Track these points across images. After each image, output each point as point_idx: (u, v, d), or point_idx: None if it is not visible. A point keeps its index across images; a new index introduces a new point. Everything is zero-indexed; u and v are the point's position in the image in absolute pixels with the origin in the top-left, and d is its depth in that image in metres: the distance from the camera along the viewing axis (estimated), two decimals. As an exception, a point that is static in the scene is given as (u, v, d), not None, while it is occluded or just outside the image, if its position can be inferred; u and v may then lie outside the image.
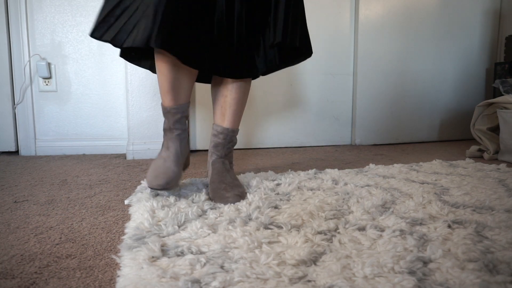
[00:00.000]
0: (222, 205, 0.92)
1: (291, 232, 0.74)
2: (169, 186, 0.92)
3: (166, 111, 1.02)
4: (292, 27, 0.98)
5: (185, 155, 1.03)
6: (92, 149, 1.96)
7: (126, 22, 0.90)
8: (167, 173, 0.93)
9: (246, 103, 1.12)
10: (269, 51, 1.03)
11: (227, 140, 1.07)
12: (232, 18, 0.95)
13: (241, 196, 0.97)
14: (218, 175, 1.02)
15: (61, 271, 0.61)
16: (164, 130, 1.04)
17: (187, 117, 1.05)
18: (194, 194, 1.00)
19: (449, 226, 0.76)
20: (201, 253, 0.64)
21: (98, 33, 0.92)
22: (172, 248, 0.65)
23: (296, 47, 1.04)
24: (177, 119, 1.01)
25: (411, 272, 0.56)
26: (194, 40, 0.91)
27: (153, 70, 1.11)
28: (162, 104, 1.03)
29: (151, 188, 0.93)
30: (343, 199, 0.97)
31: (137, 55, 1.10)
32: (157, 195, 1.00)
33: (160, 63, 0.97)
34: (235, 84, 1.06)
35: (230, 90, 1.06)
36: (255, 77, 1.08)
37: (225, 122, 1.07)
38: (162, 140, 1.83)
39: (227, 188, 0.97)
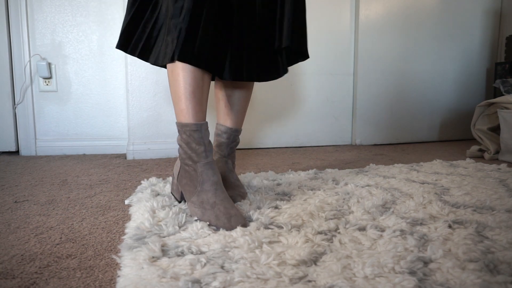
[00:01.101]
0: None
1: (292, 232, 0.74)
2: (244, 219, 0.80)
3: (197, 128, 0.86)
4: (299, 31, 0.98)
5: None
6: (92, 149, 1.96)
7: (152, 37, 0.93)
8: (236, 214, 0.81)
9: (249, 102, 1.11)
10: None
11: (231, 140, 1.07)
12: (246, 20, 0.92)
13: (242, 196, 0.97)
14: (221, 175, 1.02)
15: (62, 271, 0.61)
16: (194, 160, 0.86)
17: None
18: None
19: (449, 226, 0.76)
20: (202, 253, 0.64)
21: (124, 46, 0.94)
22: (173, 248, 0.65)
23: (298, 51, 1.03)
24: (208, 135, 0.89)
25: (412, 272, 0.56)
26: (216, 48, 0.89)
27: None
28: (187, 124, 0.86)
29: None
30: (344, 199, 0.97)
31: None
32: (157, 195, 1.00)
33: (186, 72, 0.88)
34: (241, 83, 1.05)
35: (235, 90, 1.05)
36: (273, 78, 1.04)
37: (229, 121, 1.06)
38: (161, 140, 1.84)
39: (228, 188, 0.98)
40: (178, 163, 0.93)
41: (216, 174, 0.86)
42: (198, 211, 0.81)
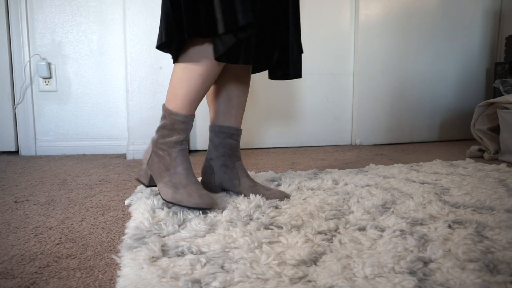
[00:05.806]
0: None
1: (292, 232, 0.74)
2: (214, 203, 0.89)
3: (184, 120, 0.92)
4: (299, 58, 1.01)
5: None
6: (92, 149, 1.96)
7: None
8: (207, 193, 0.89)
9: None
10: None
11: (239, 141, 1.07)
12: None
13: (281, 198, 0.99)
14: (250, 178, 1.04)
15: (61, 271, 0.61)
16: (174, 142, 0.93)
17: None
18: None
19: (449, 226, 0.76)
20: (202, 253, 0.64)
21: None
22: (172, 248, 0.65)
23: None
24: (189, 129, 0.96)
25: (412, 272, 0.56)
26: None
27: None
28: (178, 113, 0.92)
29: (199, 209, 0.87)
30: (344, 199, 0.97)
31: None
32: (157, 194, 1.00)
33: (212, 70, 0.92)
34: (247, 84, 1.06)
35: (242, 90, 1.04)
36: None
37: (238, 122, 1.06)
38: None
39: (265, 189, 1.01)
40: (149, 150, 0.98)
41: (188, 160, 0.94)
42: (170, 190, 0.87)
